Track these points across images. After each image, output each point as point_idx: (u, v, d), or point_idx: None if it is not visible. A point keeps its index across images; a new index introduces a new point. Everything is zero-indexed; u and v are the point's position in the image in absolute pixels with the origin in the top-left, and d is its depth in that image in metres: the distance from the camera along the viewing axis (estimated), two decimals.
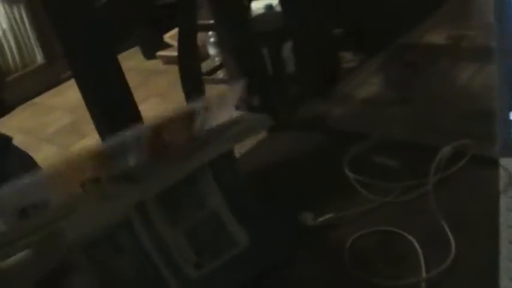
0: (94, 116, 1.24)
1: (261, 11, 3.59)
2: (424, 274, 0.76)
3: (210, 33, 4.59)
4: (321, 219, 0.91)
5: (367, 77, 1.35)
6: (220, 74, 4.31)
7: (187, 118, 0.81)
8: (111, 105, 1.22)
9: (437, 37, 1.43)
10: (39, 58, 5.91)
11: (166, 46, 5.31)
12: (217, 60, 4.53)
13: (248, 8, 3.17)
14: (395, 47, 1.46)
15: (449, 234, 0.81)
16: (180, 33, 1.52)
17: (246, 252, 0.82)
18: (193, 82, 1.58)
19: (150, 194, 0.76)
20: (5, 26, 5.66)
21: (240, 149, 1.21)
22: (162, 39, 5.36)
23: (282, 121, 1.30)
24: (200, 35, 4.49)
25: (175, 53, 1.53)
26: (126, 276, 0.76)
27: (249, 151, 1.21)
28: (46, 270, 0.62)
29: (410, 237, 0.83)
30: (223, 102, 0.88)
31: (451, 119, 1.09)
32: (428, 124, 1.10)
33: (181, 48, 1.52)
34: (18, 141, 4.17)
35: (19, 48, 5.80)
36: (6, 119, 5.45)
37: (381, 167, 1.00)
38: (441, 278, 0.76)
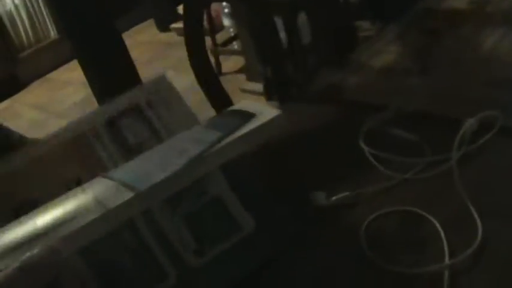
0: (96, 95, 1.19)
1: None
2: (447, 260, 0.69)
3: (225, 4, 4.51)
4: (334, 198, 0.83)
5: (385, 46, 1.27)
6: (234, 45, 4.23)
7: None
8: (113, 83, 1.17)
9: (460, 2, 1.34)
10: (53, 33, 5.86)
11: (180, 18, 5.24)
12: (231, 31, 4.45)
13: None
14: (415, 13, 1.38)
15: (476, 215, 0.74)
16: (186, 7, 1.45)
17: (251, 238, 0.75)
18: (200, 56, 1.52)
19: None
20: (17, 1, 5.60)
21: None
22: (175, 11, 5.29)
23: (295, 92, 1.23)
24: (215, 6, 4.43)
25: None
26: (121, 267, 0.70)
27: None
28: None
29: (432, 219, 0.76)
30: None
31: (475, 89, 1.01)
32: (451, 95, 1.02)
33: (187, 22, 1.46)
34: (32, 117, 4.14)
35: (32, 23, 5.75)
36: (21, 95, 5.42)
37: (399, 141, 0.92)
38: (466, 265, 0.68)
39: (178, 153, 0.74)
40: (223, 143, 0.73)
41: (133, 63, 1.17)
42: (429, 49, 1.19)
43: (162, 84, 0.91)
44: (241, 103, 0.82)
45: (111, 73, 1.15)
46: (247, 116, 0.77)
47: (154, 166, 0.74)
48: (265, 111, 0.76)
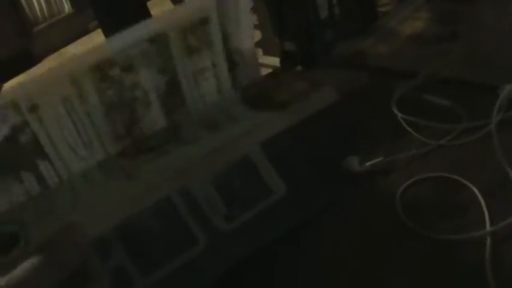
0: None
1: None
2: (488, 227, 0.67)
3: None
4: (368, 163, 0.81)
5: (413, 12, 1.23)
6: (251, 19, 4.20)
7: None
8: None
9: None
10: (67, 7, 5.83)
11: None
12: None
13: None
14: None
15: None
16: None
17: (281, 202, 0.73)
18: None
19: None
20: None
21: None
22: None
23: (319, 61, 1.20)
24: None
25: None
26: (150, 232, 0.68)
27: None
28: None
29: (471, 185, 0.73)
30: None
31: (509, 55, 0.98)
32: (484, 61, 0.99)
33: None
34: None
35: None
36: (35, 69, 5.40)
37: (432, 107, 0.89)
38: (508, 232, 0.66)
39: None
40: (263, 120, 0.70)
41: None
42: (460, 15, 1.15)
43: None
44: None
45: None
46: None
47: None
48: None
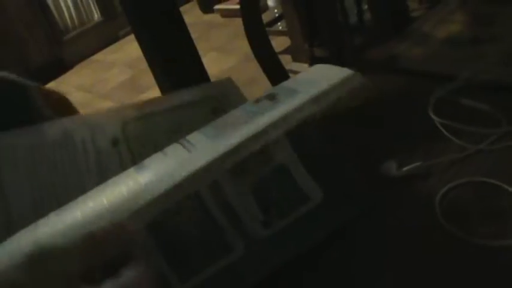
0: (155, 71, 1.16)
1: None
2: None
3: None
4: (406, 168, 0.80)
5: (448, 15, 1.22)
6: (279, 26, 4.19)
7: None
8: (173, 58, 1.14)
9: None
10: (96, 16, 5.89)
11: None
12: (276, 12, 4.41)
13: None
14: None
15: None
16: None
17: (319, 208, 0.72)
18: (257, 34, 1.48)
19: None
20: None
21: None
22: None
23: (356, 63, 1.19)
24: None
25: (232, 6, 1.44)
26: (187, 239, 0.68)
27: None
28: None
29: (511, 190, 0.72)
30: None
31: None
32: None
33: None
34: (78, 98, 4.17)
35: (76, 6, 5.78)
36: (66, 76, 5.47)
37: (471, 111, 0.88)
38: None
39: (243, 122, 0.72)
40: (291, 106, 0.70)
41: (191, 38, 1.15)
42: (495, 17, 1.14)
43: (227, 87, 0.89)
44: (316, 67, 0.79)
45: (171, 49, 1.13)
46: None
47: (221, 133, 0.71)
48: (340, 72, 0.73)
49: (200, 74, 1.19)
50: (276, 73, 1.44)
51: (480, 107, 0.87)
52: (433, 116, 0.89)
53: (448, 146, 0.83)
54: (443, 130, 0.85)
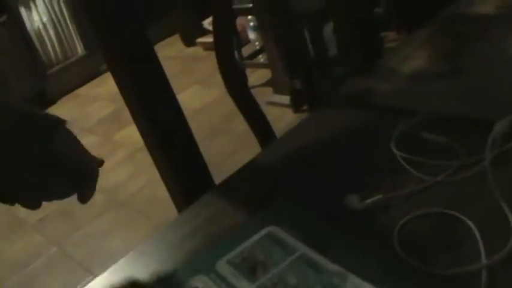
0: (130, 108, 1.20)
1: None
2: (484, 260, 0.69)
3: (250, 17, 4.52)
4: (368, 201, 0.83)
5: (413, 51, 1.27)
6: (260, 59, 4.24)
7: None
8: (148, 96, 1.18)
9: (488, 6, 1.33)
10: (80, 50, 5.92)
11: (206, 32, 5.26)
12: (257, 45, 4.46)
13: None
14: (442, 18, 1.38)
15: (510, 216, 0.73)
16: (215, 19, 1.46)
17: None
18: (231, 68, 1.52)
19: None
20: (45, 19, 5.67)
21: (282, 127, 1.15)
22: (201, 25, 5.32)
23: (325, 100, 1.24)
24: (240, 19, 4.45)
25: None
26: None
27: (291, 130, 1.15)
28: None
29: (467, 220, 0.75)
30: None
31: (506, 91, 1.01)
32: (481, 97, 1.02)
33: (217, 34, 1.47)
34: None
35: (59, 40, 5.81)
36: (49, 110, 5.46)
37: (430, 144, 0.92)
38: (504, 265, 0.68)
39: None
40: None
41: (164, 73, 1.18)
42: (458, 53, 1.19)
43: None
44: None
45: (143, 83, 1.16)
46: None
47: None
48: None
49: (175, 111, 1.23)
50: (250, 109, 1.48)
51: (439, 140, 0.91)
52: (394, 150, 0.93)
53: (409, 178, 0.86)
54: (404, 163, 0.90)
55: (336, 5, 1.85)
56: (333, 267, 0.74)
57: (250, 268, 0.77)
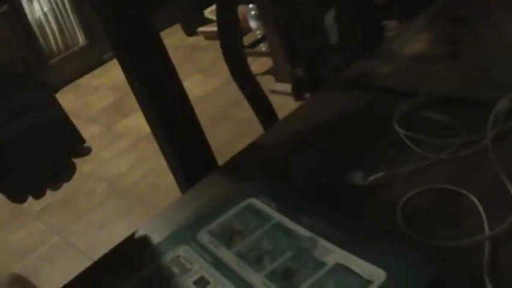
0: (137, 96, 1.21)
1: None
2: (487, 232, 0.70)
3: (251, 6, 4.53)
4: (371, 178, 0.85)
5: (414, 34, 1.28)
6: (262, 47, 4.25)
7: None
8: (155, 83, 1.19)
9: None
10: (81, 40, 5.93)
11: (207, 21, 5.27)
12: (258, 33, 4.47)
13: None
14: (442, 3, 1.38)
15: None
16: (218, 7, 1.47)
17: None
18: (235, 56, 1.53)
19: None
20: (46, 9, 5.69)
21: (283, 115, 1.16)
22: (202, 14, 5.33)
23: (327, 84, 1.25)
24: (241, 8, 4.45)
25: (215, 29, 1.48)
26: None
27: (293, 112, 1.16)
28: None
29: (470, 195, 0.77)
30: None
31: (506, 73, 1.02)
32: (482, 79, 1.03)
33: (220, 22, 1.47)
34: None
35: (61, 30, 5.83)
36: None
37: (433, 123, 0.93)
38: (506, 236, 0.69)
39: None
40: None
41: (170, 60, 1.19)
42: (458, 36, 1.20)
43: None
44: None
45: (150, 71, 1.18)
46: None
47: None
48: None
49: (181, 97, 1.23)
50: (255, 95, 1.48)
51: (441, 119, 0.93)
52: (397, 128, 0.94)
53: (412, 156, 0.88)
54: (407, 141, 0.91)
55: None
56: (305, 232, 0.78)
57: (228, 236, 0.82)
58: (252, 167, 1.02)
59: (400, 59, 1.21)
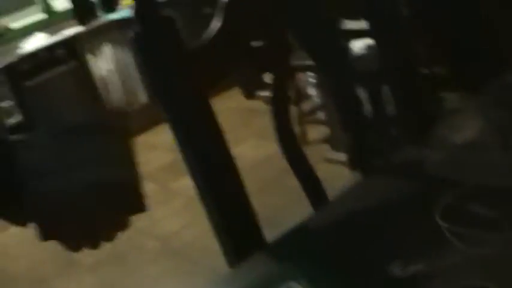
0: (186, 159, 1.24)
1: (362, 50, 3.55)
2: None
3: (310, 73, 4.57)
4: (410, 270, 0.85)
5: (466, 120, 1.29)
6: (319, 115, 4.27)
7: None
8: (202, 149, 1.22)
9: None
10: (143, 98, 6.05)
11: (267, 86, 5.32)
12: (317, 101, 4.49)
13: (347, 47, 3.15)
14: (498, 87, 1.39)
15: None
16: (272, 74, 1.51)
17: None
18: (285, 125, 1.56)
19: None
20: (111, 66, 5.84)
21: (338, 185, 1.18)
22: (261, 79, 5.39)
23: (377, 164, 1.26)
24: (301, 75, 4.50)
25: None
26: None
27: (342, 195, 1.18)
28: None
29: None
30: None
31: None
32: None
33: (273, 89, 1.51)
34: None
35: (124, 88, 5.96)
36: None
37: (477, 216, 0.94)
38: None
39: None
40: None
41: (220, 130, 1.23)
42: (509, 125, 1.20)
43: None
44: None
45: (200, 138, 1.21)
46: None
47: None
48: None
49: (228, 165, 1.26)
50: (302, 169, 1.50)
51: (485, 213, 0.93)
52: (439, 220, 0.95)
53: (453, 250, 0.88)
54: (448, 234, 0.91)
55: (393, 66, 1.87)
56: None
57: None
58: (297, 249, 1.04)
59: (449, 146, 1.22)
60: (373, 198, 1.12)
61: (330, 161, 3.67)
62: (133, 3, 1.18)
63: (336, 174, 3.38)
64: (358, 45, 3.57)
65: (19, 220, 0.86)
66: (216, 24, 1.21)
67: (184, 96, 1.19)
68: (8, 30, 6.05)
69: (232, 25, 1.25)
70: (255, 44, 1.37)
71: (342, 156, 3.65)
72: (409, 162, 1.22)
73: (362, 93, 3.15)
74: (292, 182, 1.48)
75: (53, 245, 0.84)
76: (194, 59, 1.18)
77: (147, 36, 1.10)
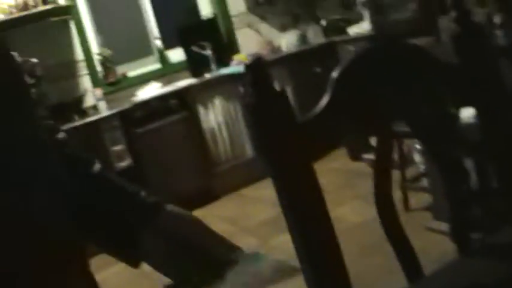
0: (286, 218, 1.28)
1: (471, 119, 3.52)
2: None
3: (416, 140, 4.55)
4: None
5: None
6: (423, 182, 4.23)
7: None
8: (303, 211, 1.26)
9: None
10: (249, 152, 6.15)
11: (372, 149, 5.32)
12: (421, 168, 4.46)
13: (455, 116, 3.12)
14: None
15: None
16: (377, 139, 1.54)
17: None
18: (384, 193, 1.58)
19: None
20: (220, 119, 5.99)
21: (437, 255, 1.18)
22: (368, 141, 5.39)
23: (478, 239, 1.26)
24: (407, 141, 4.48)
25: None
26: None
27: (437, 273, 1.18)
28: None
29: None
30: None
31: None
32: None
33: (377, 155, 1.54)
34: (221, 229, 4.35)
35: (231, 141, 6.09)
36: (213, 206, 5.67)
37: None
38: None
39: None
40: None
41: (319, 189, 1.27)
42: None
43: None
44: None
45: (298, 197, 1.25)
46: None
47: None
48: None
49: (326, 228, 1.28)
50: (399, 241, 1.51)
51: None
52: None
53: None
54: None
55: (496, 136, 1.85)
56: None
57: None
58: None
59: None
60: (469, 279, 1.12)
61: (431, 229, 3.63)
62: (245, 61, 1.23)
63: (436, 244, 3.33)
64: (467, 114, 3.53)
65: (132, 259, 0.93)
66: (325, 98, 1.25)
67: (290, 163, 1.24)
68: (126, 78, 6.33)
69: (340, 100, 1.28)
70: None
71: (444, 226, 3.59)
72: (506, 243, 1.21)
73: (469, 163, 3.10)
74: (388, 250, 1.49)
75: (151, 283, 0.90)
76: (304, 132, 1.22)
77: (260, 108, 1.15)
